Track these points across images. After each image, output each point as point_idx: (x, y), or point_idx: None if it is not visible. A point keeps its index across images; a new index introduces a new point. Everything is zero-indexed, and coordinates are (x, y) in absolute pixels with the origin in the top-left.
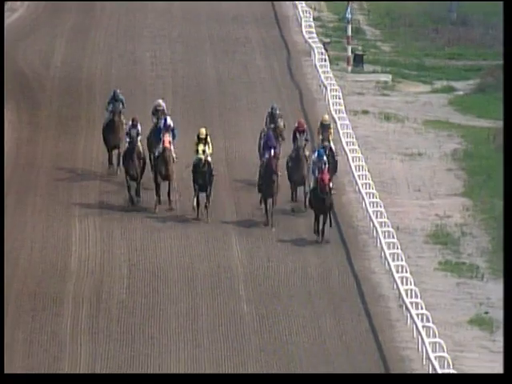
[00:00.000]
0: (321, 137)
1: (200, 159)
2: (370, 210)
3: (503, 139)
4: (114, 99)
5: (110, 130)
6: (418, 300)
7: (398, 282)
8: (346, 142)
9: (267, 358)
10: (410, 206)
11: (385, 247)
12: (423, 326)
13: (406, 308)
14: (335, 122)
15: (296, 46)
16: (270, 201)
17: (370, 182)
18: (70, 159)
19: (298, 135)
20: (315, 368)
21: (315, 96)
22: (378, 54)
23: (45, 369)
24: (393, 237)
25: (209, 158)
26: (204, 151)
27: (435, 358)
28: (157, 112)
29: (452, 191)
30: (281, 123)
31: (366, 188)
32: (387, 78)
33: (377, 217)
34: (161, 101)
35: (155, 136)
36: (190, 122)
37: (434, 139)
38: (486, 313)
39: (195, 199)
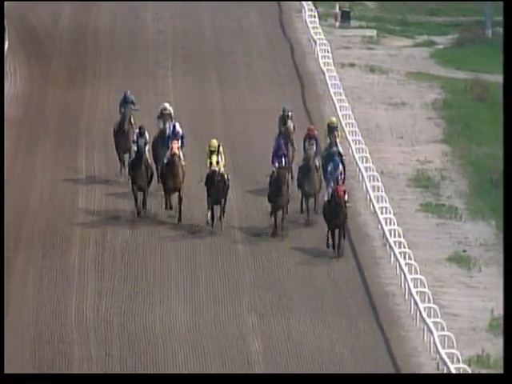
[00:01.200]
0: (328, 140)
1: (214, 171)
2: (356, 155)
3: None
4: (125, 101)
5: (120, 137)
6: (401, 239)
7: (383, 222)
8: (334, 93)
9: (260, 293)
10: (393, 152)
11: (370, 190)
12: (406, 264)
13: (390, 246)
14: (323, 74)
15: (288, 3)
16: (279, 212)
17: (356, 129)
18: (77, 108)
19: (307, 143)
20: (305, 302)
21: (305, 50)
22: (364, 11)
23: (54, 303)
24: (377, 180)
25: (222, 170)
26: (218, 162)
27: (416, 293)
28: (163, 116)
29: (432, 138)
30: (290, 126)
31: (352, 135)
32: (372, 33)
33: (362, 162)
34: (167, 104)
35: (162, 142)
36: (189, 71)
37: (415, 90)
38: (464, 251)
39: (209, 212)
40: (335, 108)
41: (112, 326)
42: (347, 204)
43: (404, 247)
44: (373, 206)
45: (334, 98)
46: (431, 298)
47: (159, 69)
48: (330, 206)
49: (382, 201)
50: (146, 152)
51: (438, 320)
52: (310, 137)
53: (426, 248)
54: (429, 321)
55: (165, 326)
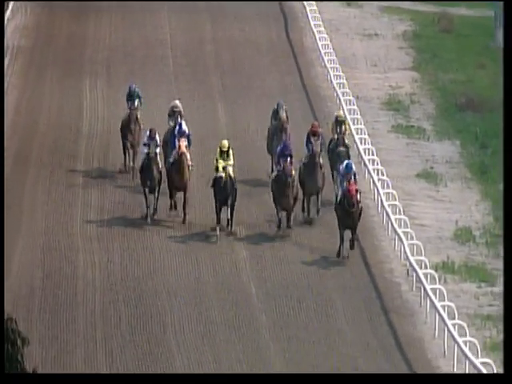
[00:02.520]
0: (336, 135)
1: (221, 177)
2: (334, 82)
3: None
4: (130, 95)
5: (127, 133)
6: (375, 157)
7: (358, 142)
8: (314, 25)
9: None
10: (367, 78)
11: (347, 113)
12: (379, 179)
13: (364, 164)
14: (304, 8)
15: None
16: (284, 213)
17: (334, 58)
18: (81, 39)
19: (312, 139)
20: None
21: None
22: None
23: (61, 214)
24: (353, 104)
25: (231, 172)
26: (224, 168)
27: (388, 205)
28: (173, 113)
29: (403, 66)
30: (283, 115)
31: (330, 63)
32: None
33: (340, 88)
34: (177, 102)
35: (170, 142)
36: (188, 22)
37: (387, 22)
38: (432, 168)
39: (217, 220)
40: (315, 39)
41: (113, 235)
42: (360, 204)
43: (377, 164)
44: (349, 127)
45: (314, 30)
46: (402, 210)
47: (156, 5)
48: (343, 206)
49: (357, 123)
50: (157, 155)
51: (408, 230)
52: (313, 133)
53: (397, 165)
54: (399, 231)
55: (161, 237)
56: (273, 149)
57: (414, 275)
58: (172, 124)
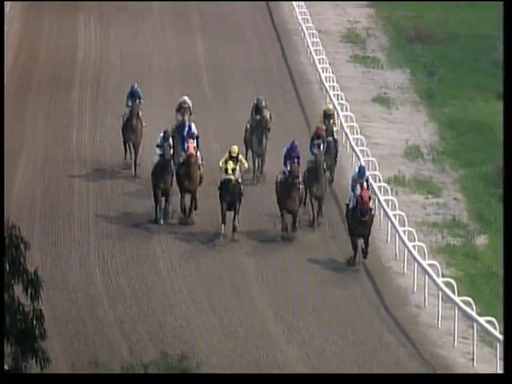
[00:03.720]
0: (324, 127)
1: (230, 180)
2: (300, 17)
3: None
4: (131, 94)
5: (128, 131)
6: (335, 84)
7: (320, 70)
8: None
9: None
10: (328, 14)
11: (310, 45)
12: (338, 103)
13: (326, 90)
14: None
15: None
16: (289, 216)
17: None
18: None
19: (316, 143)
20: None
21: None
22: None
23: (59, 134)
24: (316, 37)
25: (239, 178)
26: (234, 170)
27: (347, 126)
28: (181, 109)
29: (360, 3)
30: (267, 114)
31: (296, 1)
32: None
33: (304, 22)
34: (186, 98)
35: (178, 142)
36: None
37: None
38: (385, 93)
39: (222, 221)
40: None
41: (105, 149)
42: (372, 211)
43: (337, 90)
44: (312, 57)
45: None
46: (359, 130)
47: None
48: (355, 214)
49: (319, 53)
50: (172, 157)
51: (364, 148)
52: (317, 136)
53: (355, 91)
54: (357, 149)
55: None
56: (251, 144)
57: (371, 188)
58: (180, 119)
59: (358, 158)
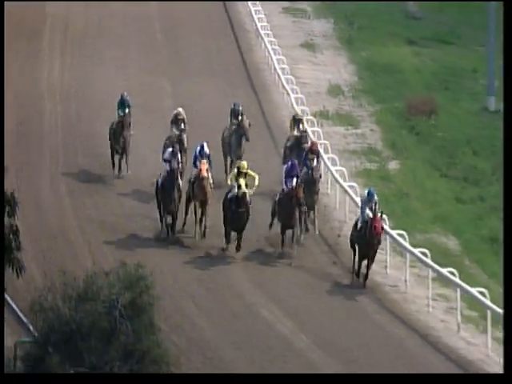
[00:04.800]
0: (296, 132)
1: (244, 194)
2: None
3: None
4: (122, 103)
5: (117, 140)
6: (269, 31)
7: (256, 20)
8: None
9: None
10: None
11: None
12: (272, 48)
13: (261, 37)
14: None
15: None
16: (289, 232)
17: None
18: None
19: (310, 157)
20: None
21: None
22: None
23: (32, 73)
24: None
25: (247, 195)
26: (240, 186)
27: (279, 68)
28: (177, 121)
29: None
30: (246, 123)
31: None
32: None
33: None
34: (181, 109)
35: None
36: None
37: None
38: (312, 40)
39: (226, 241)
40: None
41: (71, 88)
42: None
43: (271, 37)
44: (249, 8)
45: None
46: (289, 71)
47: None
48: (362, 234)
49: (255, 5)
50: (180, 173)
51: (294, 87)
52: (312, 151)
53: (286, 38)
54: (287, 87)
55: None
56: (230, 149)
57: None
58: (175, 131)
59: (289, 95)
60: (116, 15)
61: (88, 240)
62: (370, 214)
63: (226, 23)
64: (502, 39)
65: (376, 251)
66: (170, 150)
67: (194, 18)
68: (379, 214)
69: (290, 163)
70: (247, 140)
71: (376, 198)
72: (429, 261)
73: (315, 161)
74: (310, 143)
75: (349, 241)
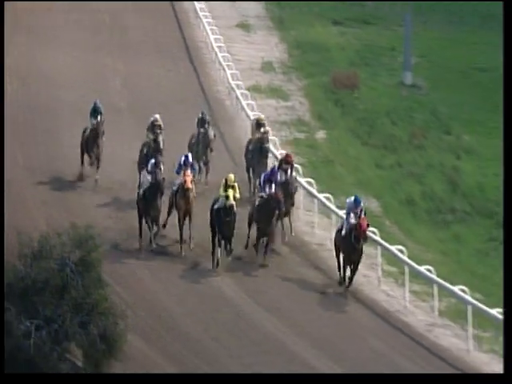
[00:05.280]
0: (257, 135)
1: (232, 206)
2: None
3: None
4: (95, 110)
5: (90, 146)
6: (207, 13)
7: (196, 3)
8: None
9: None
10: None
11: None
12: (210, 29)
13: (200, 18)
14: None
15: None
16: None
17: None
18: None
19: (284, 167)
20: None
21: None
22: None
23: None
24: None
25: (235, 206)
26: (228, 197)
27: (217, 46)
28: (154, 127)
29: None
30: (211, 133)
31: None
32: None
33: None
34: (158, 116)
35: (149, 154)
36: None
37: None
38: (246, 21)
39: (216, 250)
40: None
41: (30, 67)
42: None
43: (209, 18)
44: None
45: None
46: (226, 49)
47: None
48: (347, 240)
49: None
50: (163, 184)
51: (230, 63)
52: (286, 162)
53: (222, 19)
54: (224, 64)
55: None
56: (198, 153)
57: (234, 94)
58: (151, 137)
59: (225, 71)
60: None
61: (43, 201)
62: (354, 221)
63: (169, 6)
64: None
65: (361, 256)
66: (153, 161)
67: (140, 2)
68: (363, 215)
69: (271, 170)
70: (211, 151)
71: (362, 204)
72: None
73: (289, 171)
74: (284, 154)
75: (333, 247)
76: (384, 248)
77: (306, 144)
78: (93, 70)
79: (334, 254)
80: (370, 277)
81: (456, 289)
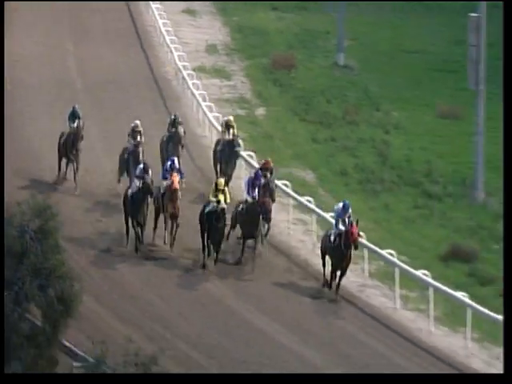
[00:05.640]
0: (227, 137)
1: (223, 209)
2: None
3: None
4: (73, 115)
5: (67, 148)
6: (156, 0)
7: None
8: None
9: None
10: None
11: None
12: (158, 14)
13: (149, 5)
14: None
15: None
16: (250, 241)
17: None
18: None
19: (263, 173)
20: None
21: None
22: None
23: None
24: None
25: (225, 209)
26: (219, 201)
27: (165, 30)
28: (134, 133)
29: None
30: (181, 130)
31: None
32: None
33: None
34: (138, 122)
35: (133, 159)
36: None
37: None
38: (191, 6)
39: (204, 255)
40: None
41: None
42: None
43: (157, 4)
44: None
45: None
46: (173, 33)
47: None
48: (336, 247)
49: None
50: (151, 189)
51: (177, 46)
52: (265, 168)
53: (170, 5)
54: (172, 46)
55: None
56: (167, 155)
57: (181, 74)
58: (132, 142)
59: (172, 53)
60: None
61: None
62: (343, 227)
63: None
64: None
65: (349, 262)
66: (141, 166)
67: None
68: (355, 223)
69: (254, 174)
70: (182, 147)
71: (350, 210)
72: (289, 190)
73: (268, 175)
74: (263, 161)
75: (320, 252)
76: (318, 215)
77: (247, 120)
78: (54, 54)
79: (321, 258)
80: (306, 241)
81: (384, 252)
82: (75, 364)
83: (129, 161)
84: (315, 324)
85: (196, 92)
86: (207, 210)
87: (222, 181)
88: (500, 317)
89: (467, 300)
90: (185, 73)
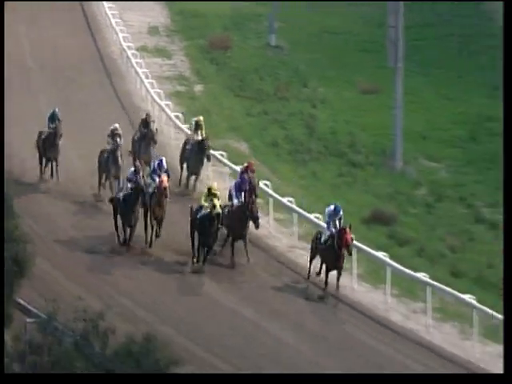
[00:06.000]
0: (198, 137)
1: (218, 214)
2: None
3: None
4: (53, 117)
5: (48, 148)
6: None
7: None
8: None
9: None
10: None
11: None
12: (109, 8)
13: None
14: None
15: None
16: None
17: None
18: None
19: (250, 175)
20: None
21: None
22: None
23: None
24: None
25: (220, 214)
26: (215, 206)
27: (111, 14)
28: (113, 136)
29: None
30: (153, 127)
31: None
32: None
33: None
34: (117, 125)
35: (113, 160)
36: None
37: None
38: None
39: (196, 258)
40: None
41: None
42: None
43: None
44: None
45: None
46: (118, 16)
47: None
48: (330, 247)
49: None
50: (143, 191)
51: (122, 28)
52: (250, 170)
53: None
54: (117, 29)
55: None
56: (139, 152)
57: (125, 54)
58: (112, 144)
59: (117, 34)
60: None
61: None
62: (334, 230)
63: None
64: None
65: (343, 262)
66: (133, 169)
67: None
68: (348, 228)
69: (241, 179)
70: (155, 143)
71: (341, 213)
72: (226, 160)
73: (251, 174)
74: (245, 164)
75: (309, 254)
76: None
77: (187, 96)
78: (9, 36)
79: (309, 257)
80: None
81: (312, 216)
82: (28, 320)
83: (108, 162)
84: (244, 279)
85: (139, 70)
86: (200, 214)
87: (215, 185)
88: (419, 274)
89: (387, 259)
90: (129, 52)
